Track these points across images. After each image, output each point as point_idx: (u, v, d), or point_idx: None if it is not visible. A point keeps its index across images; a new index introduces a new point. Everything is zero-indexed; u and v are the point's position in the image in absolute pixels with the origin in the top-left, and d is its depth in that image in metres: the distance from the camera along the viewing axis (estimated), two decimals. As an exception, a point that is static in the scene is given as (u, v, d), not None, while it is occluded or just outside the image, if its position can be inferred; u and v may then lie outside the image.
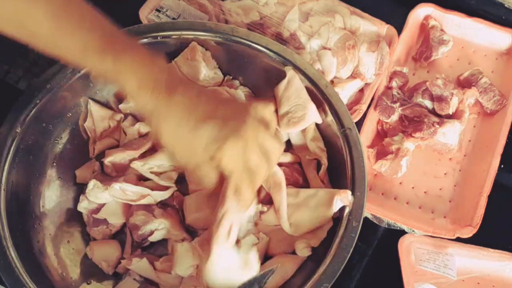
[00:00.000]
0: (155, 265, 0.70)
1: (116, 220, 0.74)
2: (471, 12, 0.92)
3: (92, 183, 0.72)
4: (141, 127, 0.78)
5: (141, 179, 0.76)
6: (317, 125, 0.75)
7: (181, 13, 0.89)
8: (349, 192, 0.65)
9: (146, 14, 0.88)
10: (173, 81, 0.58)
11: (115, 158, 0.75)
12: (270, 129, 0.62)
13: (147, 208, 0.72)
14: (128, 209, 0.74)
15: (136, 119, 0.80)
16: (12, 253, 0.64)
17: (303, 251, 0.67)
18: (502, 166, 0.81)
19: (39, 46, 0.56)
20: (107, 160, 0.75)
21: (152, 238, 0.72)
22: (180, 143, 0.58)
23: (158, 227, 0.71)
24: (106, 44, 0.55)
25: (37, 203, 0.72)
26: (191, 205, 0.73)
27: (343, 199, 0.65)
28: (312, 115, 0.73)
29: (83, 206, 0.74)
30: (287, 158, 0.75)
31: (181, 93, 0.57)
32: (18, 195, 0.69)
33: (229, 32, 0.75)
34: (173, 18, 0.88)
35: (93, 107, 0.77)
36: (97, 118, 0.77)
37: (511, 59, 0.91)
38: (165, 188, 0.74)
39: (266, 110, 0.68)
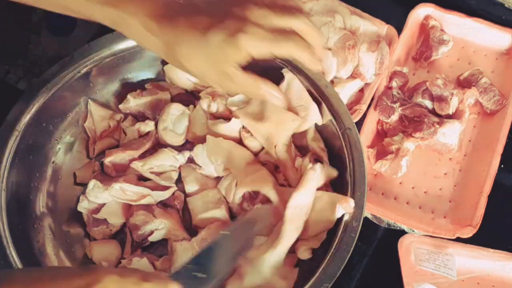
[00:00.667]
0: (155, 265, 0.70)
1: (116, 220, 0.74)
2: (471, 12, 0.92)
3: (92, 183, 0.72)
4: (141, 127, 0.77)
5: (141, 179, 0.76)
6: (317, 125, 0.75)
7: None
8: (351, 200, 0.65)
9: (146, 14, 0.88)
10: (170, 8, 0.57)
11: (115, 158, 0.75)
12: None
13: (147, 208, 0.72)
14: (128, 209, 0.74)
15: (136, 119, 0.80)
16: (12, 253, 0.64)
17: (303, 254, 0.67)
18: (502, 166, 0.81)
19: (45, 4, 0.58)
20: (107, 160, 0.75)
21: (152, 238, 0.72)
22: (200, 63, 0.57)
23: (158, 227, 0.71)
24: None
25: (37, 203, 0.72)
26: (198, 206, 0.73)
27: (345, 207, 0.65)
28: (314, 116, 0.73)
29: (83, 206, 0.74)
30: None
31: (181, 16, 0.57)
32: (18, 195, 0.69)
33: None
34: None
35: (93, 107, 0.77)
36: (97, 118, 0.77)
37: (511, 59, 0.91)
38: (165, 188, 0.74)
39: None
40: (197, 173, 0.75)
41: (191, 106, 0.78)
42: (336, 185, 0.71)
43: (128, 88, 0.80)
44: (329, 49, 0.85)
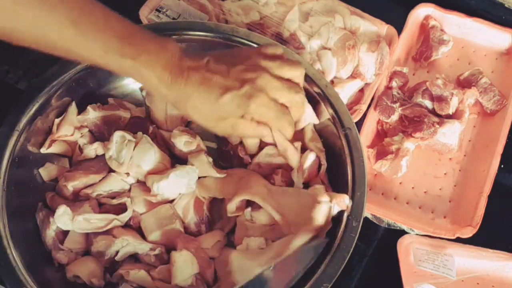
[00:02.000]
0: (152, 275, 0.68)
1: (80, 247, 0.70)
2: (471, 12, 0.92)
3: (61, 209, 0.68)
4: (99, 148, 0.74)
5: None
6: (317, 125, 0.75)
7: (181, 13, 0.89)
8: (346, 197, 0.65)
9: (146, 14, 0.88)
10: (184, 64, 0.62)
11: (79, 183, 0.71)
12: (281, 59, 0.66)
13: (105, 232, 0.69)
14: (87, 237, 0.70)
15: (93, 135, 0.77)
16: (13, 253, 0.64)
17: None
18: (502, 166, 0.81)
19: (61, 54, 0.60)
20: (71, 185, 0.71)
21: (118, 258, 0.69)
22: (208, 119, 0.64)
23: (123, 245, 0.69)
24: (125, 45, 0.59)
25: (37, 203, 0.72)
26: (150, 224, 0.71)
27: (340, 203, 0.65)
28: (308, 116, 0.73)
29: (53, 229, 0.69)
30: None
31: (194, 73, 0.61)
32: (18, 195, 0.69)
33: (229, 32, 0.75)
34: (173, 18, 0.88)
35: (71, 110, 0.75)
36: (67, 120, 0.74)
37: (511, 59, 0.91)
38: (124, 206, 0.71)
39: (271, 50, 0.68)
40: (147, 195, 0.71)
41: (140, 133, 0.74)
42: (336, 185, 0.71)
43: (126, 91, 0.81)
44: (329, 49, 0.85)
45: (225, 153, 0.76)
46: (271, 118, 0.65)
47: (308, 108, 0.72)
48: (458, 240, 0.75)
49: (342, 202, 0.65)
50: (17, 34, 0.56)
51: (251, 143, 0.73)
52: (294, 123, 0.68)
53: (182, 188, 0.71)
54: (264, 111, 0.63)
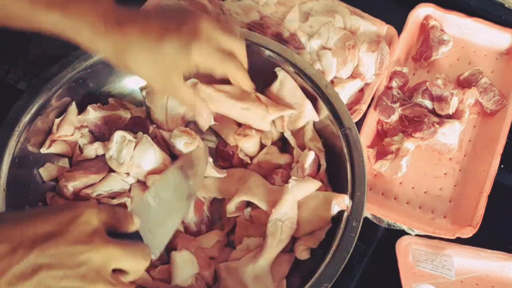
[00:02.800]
0: (152, 275, 0.68)
1: None
2: (471, 12, 0.92)
3: None
4: (99, 148, 0.74)
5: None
6: (317, 125, 0.75)
7: (181, 13, 0.88)
8: (346, 197, 0.65)
9: (146, 14, 0.88)
10: (120, 14, 0.59)
11: (79, 183, 0.72)
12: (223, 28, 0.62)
13: None
14: None
15: (93, 135, 0.77)
16: (12, 253, 0.64)
17: (302, 254, 0.67)
18: (502, 166, 0.81)
19: None
20: (71, 185, 0.71)
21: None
22: (149, 68, 0.60)
23: None
24: None
25: (37, 203, 0.72)
26: None
27: (340, 203, 0.65)
28: (309, 113, 0.73)
29: None
30: (285, 159, 0.75)
31: (131, 22, 0.58)
32: (18, 195, 0.69)
33: (229, 32, 0.75)
34: (173, 18, 0.88)
35: (72, 110, 0.75)
36: (68, 120, 0.74)
37: (511, 59, 0.91)
38: (124, 206, 0.71)
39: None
40: None
41: (140, 133, 0.74)
42: (336, 185, 0.71)
43: (124, 91, 0.81)
44: (329, 49, 0.85)
45: (225, 153, 0.76)
46: (216, 62, 0.61)
47: (308, 104, 0.73)
48: (458, 240, 0.75)
49: (342, 202, 0.65)
50: None
51: (248, 146, 0.72)
52: (244, 70, 0.65)
53: None
54: (207, 54, 0.59)
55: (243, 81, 0.66)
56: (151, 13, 0.61)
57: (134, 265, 0.48)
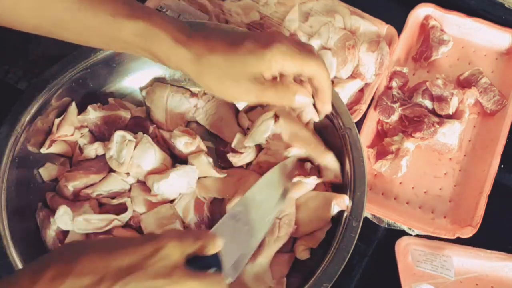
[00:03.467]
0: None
1: None
2: (471, 12, 0.92)
3: (62, 210, 0.68)
4: (99, 148, 0.74)
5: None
6: (317, 125, 0.75)
7: (181, 13, 0.89)
8: (346, 197, 0.65)
9: (146, 14, 0.88)
10: (197, 27, 0.60)
11: (79, 183, 0.72)
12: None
13: (105, 232, 0.69)
14: (87, 237, 0.70)
15: (93, 135, 0.77)
16: (12, 253, 0.64)
17: (302, 254, 0.67)
18: (502, 166, 0.81)
19: (66, 34, 0.58)
20: (71, 185, 0.71)
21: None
22: (230, 84, 0.59)
23: None
24: (133, 9, 0.58)
25: (37, 203, 0.72)
26: (150, 224, 0.70)
27: (339, 203, 0.65)
28: (310, 112, 0.73)
29: (53, 229, 0.69)
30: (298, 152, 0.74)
31: (213, 33, 0.59)
32: (18, 195, 0.69)
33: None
34: (173, 18, 0.88)
35: (72, 110, 0.75)
36: (68, 120, 0.74)
37: (511, 59, 0.91)
38: (124, 206, 0.71)
39: None
40: (147, 195, 0.72)
41: (140, 133, 0.74)
42: (336, 185, 0.71)
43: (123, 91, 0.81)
44: (329, 49, 0.85)
45: (225, 153, 0.76)
46: (296, 55, 0.58)
47: (309, 105, 0.73)
48: (458, 240, 0.75)
49: (342, 202, 0.65)
50: (19, 18, 0.56)
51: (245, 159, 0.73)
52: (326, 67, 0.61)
53: (182, 188, 0.71)
54: (287, 51, 0.58)
55: (322, 77, 0.61)
56: (225, 30, 0.63)
57: None
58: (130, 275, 0.45)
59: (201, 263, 0.49)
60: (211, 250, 0.50)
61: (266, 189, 0.64)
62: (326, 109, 0.66)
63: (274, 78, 0.60)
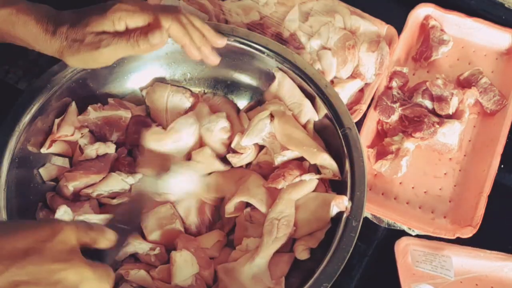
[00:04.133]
0: (152, 275, 0.68)
1: None
2: (471, 12, 0.92)
3: (62, 209, 0.68)
4: (100, 148, 0.74)
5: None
6: (317, 125, 0.75)
7: (181, 13, 0.88)
8: (345, 198, 0.65)
9: (146, 14, 0.88)
10: (63, 16, 0.63)
11: (80, 183, 0.72)
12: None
13: None
14: None
15: (94, 135, 0.77)
16: (12, 253, 0.64)
17: (302, 254, 0.67)
18: (502, 166, 0.81)
19: None
20: (71, 185, 0.71)
21: (119, 257, 0.69)
22: (95, 61, 0.64)
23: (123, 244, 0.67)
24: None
25: (37, 203, 0.72)
26: (151, 224, 0.71)
27: (339, 204, 0.65)
28: (309, 111, 0.73)
29: None
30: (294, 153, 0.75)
31: (76, 24, 0.62)
32: (18, 195, 0.69)
33: (229, 32, 0.75)
34: (173, 18, 0.88)
35: (72, 110, 0.75)
36: (68, 121, 0.74)
37: (511, 59, 0.91)
38: None
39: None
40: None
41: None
42: (336, 185, 0.71)
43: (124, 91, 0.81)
44: (329, 49, 0.85)
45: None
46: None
47: (307, 103, 0.73)
48: (458, 240, 0.75)
49: (341, 203, 0.65)
50: None
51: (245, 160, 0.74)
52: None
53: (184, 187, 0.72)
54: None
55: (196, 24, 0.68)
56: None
57: (100, 287, 0.48)
58: (26, 258, 0.44)
59: (90, 254, 0.49)
60: (102, 244, 0.51)
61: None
62: (219, 42, 0.70)
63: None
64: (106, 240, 0.51)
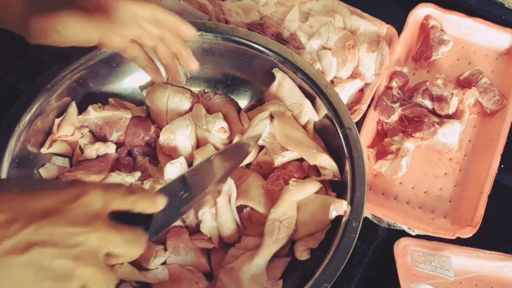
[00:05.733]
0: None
1: None
2: (471, 12, 0.92)
3: None
4: (101, 148, 0.75)
5: None
6: (317, 125, 0.75)
7: (181, 13, 0.89)
8: (344, 202, 0.65)
9: (146, 14, 0.88)
10: None
11: None
12: None
13: None
14: None
15: (94, 135, 0.77)
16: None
17: (302, 254, 0.67)
18: (502, 166, 0.81)
19: None
20: None
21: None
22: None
23: None
24: None
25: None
26: None
27: (338, 209, 0.65)
28: (309, 111, 0.73)
29: None
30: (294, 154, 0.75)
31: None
32: (18, 195, 0.69)
33: (229, 32, 0.75)
34: (173, 18, 0.88)
35: (72, 110, 0.75)
36: (68, 121, 0.74)
37: (511, 59, 0.91)
38: None
39: None
40: None
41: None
42: (336, 185, 0.71)
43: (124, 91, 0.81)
44: (329, 49, 0.85)
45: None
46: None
47: (307, 103, 0.73)
48: (458, 240, 0.75)
49: (340, 208, 0.65)
50: None
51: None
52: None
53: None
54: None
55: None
56: None
57: (128, 251, 0.47)
58: (46, 218, 0.43)
59: (131, 219, 0.47)
60: (149, 209, 0.49)
61: (219, 163, 0.61)
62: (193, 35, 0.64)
63: None
64: (155, 206, 0.49)
